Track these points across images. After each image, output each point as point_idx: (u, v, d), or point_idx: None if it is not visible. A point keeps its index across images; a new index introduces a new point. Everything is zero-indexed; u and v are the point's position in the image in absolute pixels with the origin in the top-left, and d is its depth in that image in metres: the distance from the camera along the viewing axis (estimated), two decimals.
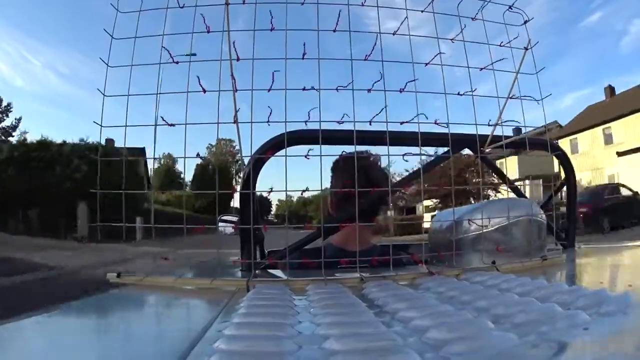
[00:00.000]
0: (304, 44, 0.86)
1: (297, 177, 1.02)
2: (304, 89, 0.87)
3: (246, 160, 1.03)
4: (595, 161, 23.59)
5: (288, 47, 0.87)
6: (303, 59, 0.87)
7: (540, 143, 1.23)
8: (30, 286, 6.95)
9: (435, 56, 0.94)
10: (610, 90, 26.54)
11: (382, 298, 0.65)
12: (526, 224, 1.03)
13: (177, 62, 0.95)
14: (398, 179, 1.40)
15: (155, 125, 0.92)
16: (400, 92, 0.91)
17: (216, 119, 0.89)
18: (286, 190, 0.86)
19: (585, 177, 23.06)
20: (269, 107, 0.85)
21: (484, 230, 0.99)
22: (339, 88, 0.87)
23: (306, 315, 0.57)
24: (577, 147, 24.84)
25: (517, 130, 1.18)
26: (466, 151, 1.21)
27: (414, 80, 0.90)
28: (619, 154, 20.74)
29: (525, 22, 0.99)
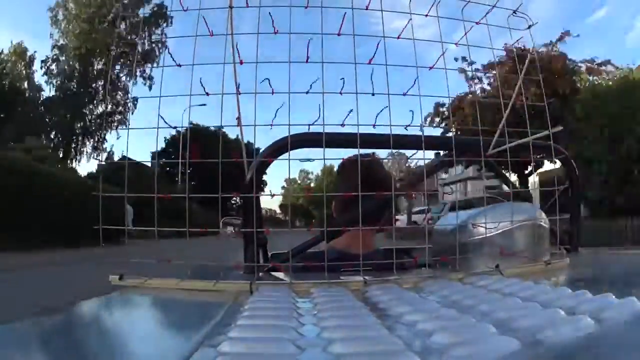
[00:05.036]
0: (307, 47, 0.86)
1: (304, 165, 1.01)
2: (307, 92, 0.88)
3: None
4: None
5: (292, 49, 0.87)
6: (307, 62, 0.87)
7: (544, 147, 1.23)
8: None
9: (438, 59, 0.94)
10: None
11: (385, 301, 0.65)
12: (530, 228, 1.03)
13: (179, 65, 0.96)
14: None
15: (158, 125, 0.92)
16: (404, 95, 0.91)
17: (219, 121, 0.90)
18: (290, 194, 0.86)
19: None
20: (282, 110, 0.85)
21: (488, 235, 0.99)
22: (342, 92, 0.87)
23: (309, 318, 0.57)
24: None
25: None
26: None
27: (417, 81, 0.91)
28: None
29: (530, 26, 0.99)
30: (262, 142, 1.02)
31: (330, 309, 0.59)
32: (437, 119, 16.39)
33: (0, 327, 0.61)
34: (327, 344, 0.44)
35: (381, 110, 0.89)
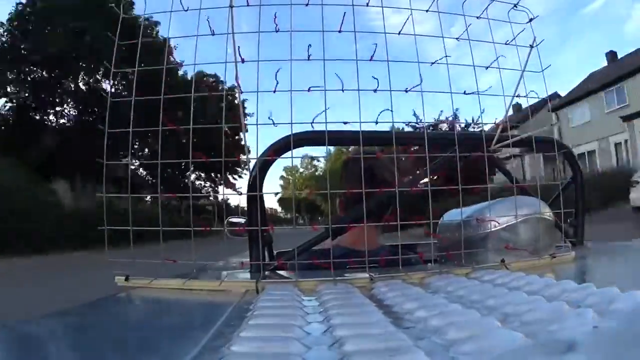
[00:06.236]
0: (309, 46, 0.86)
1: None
2: (309, 90, 0.88)
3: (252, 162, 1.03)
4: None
5: (293, 47, 0.87)
6: (308, 59, 0.87)
7: (546, 141, 1.22)
8: None
9: (441, 57, 0.94)
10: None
11: (391, 298, 0.66)
12: (534, 222, 1.03)
13: (181, 65, 0.96)
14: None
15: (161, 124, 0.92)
16: (406, 91, 0.91)
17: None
18: (293, 192, 0.87)
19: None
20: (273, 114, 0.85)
21: (493, 229, 0.99)
22: (344, 89, 0.87)
23: (316, 316, 0.57)
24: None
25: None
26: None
27: (420, 82, 0.91)
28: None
29: (530, 20, 0.99)
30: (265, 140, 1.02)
31: (336, 307, 0.59)
32: None
33: (5, 327, 0.61)
34: (334, 342, 0.44)
35: (387, 110, 0.88)
